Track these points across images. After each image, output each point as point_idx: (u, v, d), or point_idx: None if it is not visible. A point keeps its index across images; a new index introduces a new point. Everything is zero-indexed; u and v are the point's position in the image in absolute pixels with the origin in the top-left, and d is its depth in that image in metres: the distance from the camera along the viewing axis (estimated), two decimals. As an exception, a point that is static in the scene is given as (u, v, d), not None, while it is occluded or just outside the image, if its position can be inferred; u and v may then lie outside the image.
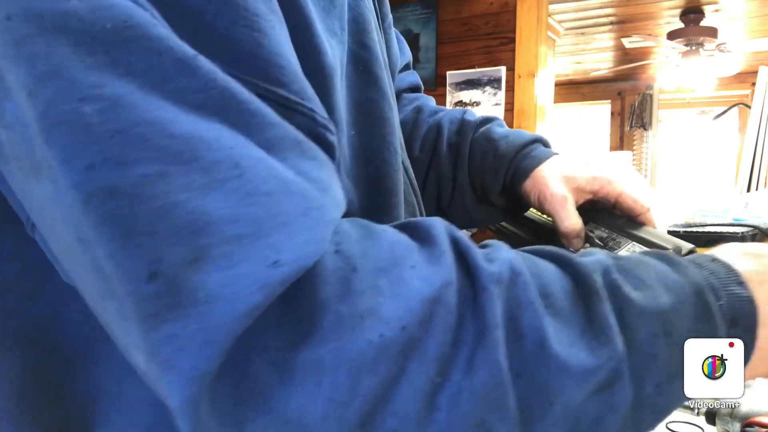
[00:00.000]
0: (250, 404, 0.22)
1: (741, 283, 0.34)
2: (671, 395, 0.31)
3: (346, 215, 0.36)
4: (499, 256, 0.28)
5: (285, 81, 0.25)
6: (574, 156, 0.56)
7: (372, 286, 0.24)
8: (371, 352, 0.23)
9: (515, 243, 0.69)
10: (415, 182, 0.49)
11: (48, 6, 0.20)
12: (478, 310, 0.26)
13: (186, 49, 0.22)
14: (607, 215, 0.55)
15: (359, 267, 0.24)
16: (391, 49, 0.55)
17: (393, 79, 0.54)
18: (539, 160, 0.55)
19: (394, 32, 0.57)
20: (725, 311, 0.34)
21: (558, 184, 0.53)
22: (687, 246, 0.49)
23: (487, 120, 0.60)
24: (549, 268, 0.30)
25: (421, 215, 0.48)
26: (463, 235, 0.29)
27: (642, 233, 0.51)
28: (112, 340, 0.25)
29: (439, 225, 0.29)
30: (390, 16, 0.55)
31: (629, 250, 0.51)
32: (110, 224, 0.20)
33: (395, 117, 0.41)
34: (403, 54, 0.63)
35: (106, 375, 0.30)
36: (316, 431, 0.22)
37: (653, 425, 0.32)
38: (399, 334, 0.23)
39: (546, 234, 0.60)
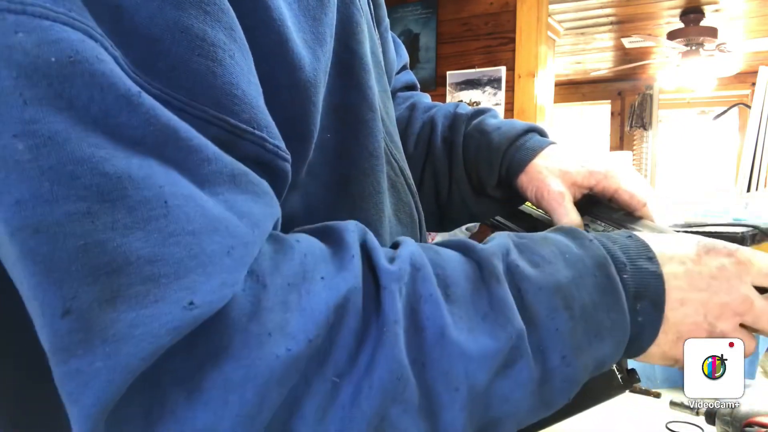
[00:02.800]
0: (159, 423, 0.23)
1: (650, 258, 0.34)
2: (578, 365, 0.32)
3: (308, 214, 0.37)
4: (401, 254, 0.30)
5: (236, 110, 0.26)
6: (569, 149, 0.55)
7: (281, 302, 0.25)
8: (279, 368, 0.24)
9: None
10: (411, 182, 0.49)
11: None
12: (379, 308, 0.27)
13: (130, 85, 0.23)
14: (605, 208, 0.54)
15: (269, 284, 0.25)
16: (388, 53, 0.56)
17: (390, 81, 0.55)
18: (533, 152, 0.54)
19: (390, 36, 0.58)
20: (628, 284, 0.33)
21: (555, 180, 0.53)
22: None
23: (480, 112, 0.60)
24: (453, 258, 0.32)
25: (419, 215, 0.49)
26: (373, 238, 0.30)
27: (639, 226, 0.51)
28: None
29: (351, 228, 0.30)
30: (387, 20, 0.55)
31: None
32: (32, 259, 0.21)
33: (377, 121, 0.41)
34: (400, 56, 0.64)
35: None
36: None
37: (566, 396, 0.32)
38: (306, 347, 0.24)
39: (542, 228, 0.59)
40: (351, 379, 0.26)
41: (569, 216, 0.52)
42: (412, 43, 2.77)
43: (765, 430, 0.47)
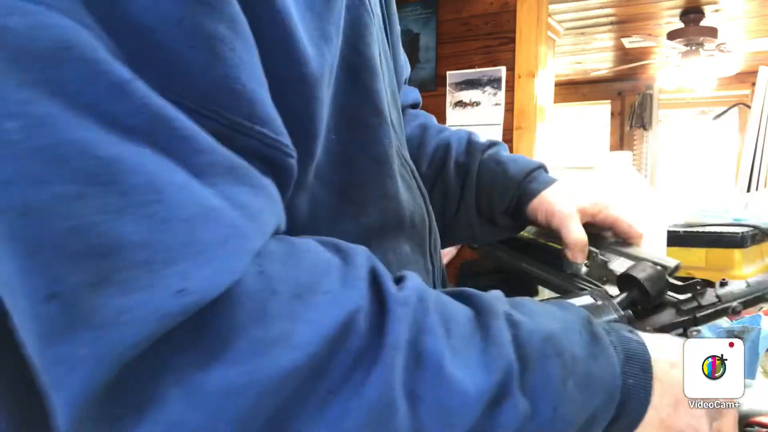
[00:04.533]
0: (151, 420, 0.22)
1: (632, 332, 0.36)
2: (569, 413, 0.31)
3: (313, 217, 0.37)
4: (407, 284, 0.30)
5: (234, 104, 0.26)
6: (573, 183, 0.62)
7: (288, 311, 0.25)
8: (280, 377, 0.23)
9: (498, 263, 0.73)
10: (422, 185, 0.50)
11: None
12: (382, 331, 0.27)
13: (123, 72, 0.22)
14: (598, 238, 0.59)
15: (278, 290, 0.25)
16: (398, 61, 0.56)
17: (399, 88, 0.56)
18: (546, 184, 0.60)
19: (401, 46, 0.59)
20: (616, 343, 0.34)
21: (565, 202, 0.58)
22: (673, 262, 0.51)
23: (494, 143, 0.65)
24: (452, 300, 0.32)
25: (429, 217, 0.49)
26: (381, 265, 0.30)
27: (631, 251, 0.55)
28: None
29: (361, 252, 0.30)
30: (398, 27, 0.56)
31: (620, 264, 0.54)
32: (18, 241, 0.20)
33: (384, 126, 0.41)
34: (407, 68, 0.65)
35: None
36: None
37: None
38: (308, 360, 0.24)
39: (534, 252, 0.65)
40: (342, 397, 0.25)
41: (579, 232, 0.56)
42: (412, 43, 2.77)
43: (765, 430, 0.47)
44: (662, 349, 0.36)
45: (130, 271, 0.21)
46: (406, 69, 0.64)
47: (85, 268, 0.20)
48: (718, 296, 0.46)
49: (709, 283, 0.48)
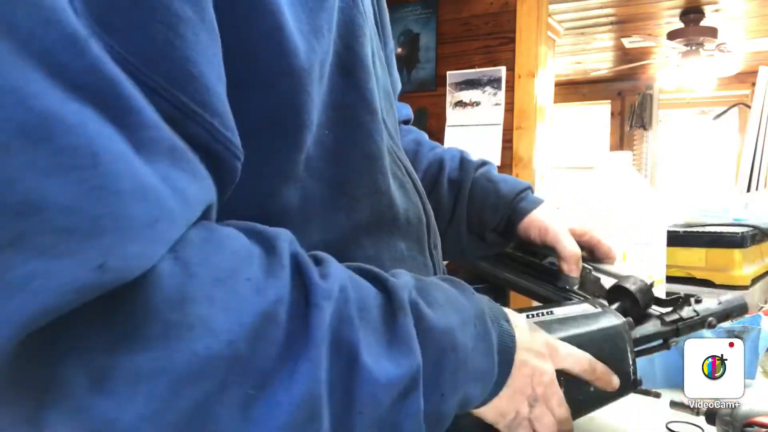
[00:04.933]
0: (55, 408, 0.21)
1: (507, 321, 0.39)
2: (452, 404, 0.34)
3: (304, 210, 0.37)
4: (331, 273, 0.30)
5: (189, 88, 0.25)
6: (556, 205, 0.71)
7: (207, 296, 0.24)
8: (195, 365, 0.22)
9: (483, 276, 0.73)
10: (418, 182, 0.51)
11: None
12: (307, 325, 0.26)
13: (78, 27, 0.21)
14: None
15: (196, 274, 0.24)
16: (393, 74, 0.59)
17: (394, 100, 0.58)
18: (535, 204, 0.65)
19: (394, 60, 0.62)
20: (497, 338, 0.38)
21: (557, 221, 0.63)
22: (649, 280, 0.56)
23: (485, 162, 0.70)
24: (366, 285, 0.32)
25: (426, 215, 0.50)
26: (303, 252, 0.30)
27: (610, 269, 0.63)
28: None
29: (284, 237, 0.30)
30: (392, 43, 0.59)
31: (605, 281, 0.61)
32: None
33: (376, 123, 0.42)
34: (398, 84, 0.68)
35: None
36: None
37: (434, 430, 0.34)
38: (225, 347, 0.23)
39: (518, 266, 0.71)
40: (269, 392, 0.24)
41: (572, 246, 0.60)
42: (412, 43, 2.77)
43: (765, 430, 0.47)
44: (531, 343, 0.40)
45: (49, 236, 0.19)
46: (398, 85, 0.67)
47: (1, 224, 0.19)
48: (695, 311, 0.52)
49: (687, 299, 0.54)
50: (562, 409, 0.42)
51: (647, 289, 0.52)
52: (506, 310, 0.41)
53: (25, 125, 0.19)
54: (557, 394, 0.41)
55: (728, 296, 0.55)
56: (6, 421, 0.21)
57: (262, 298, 0.25)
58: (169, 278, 0.23)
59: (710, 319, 0.52)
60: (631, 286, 0.52)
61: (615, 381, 0.44)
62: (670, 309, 0.53)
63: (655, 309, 0.53)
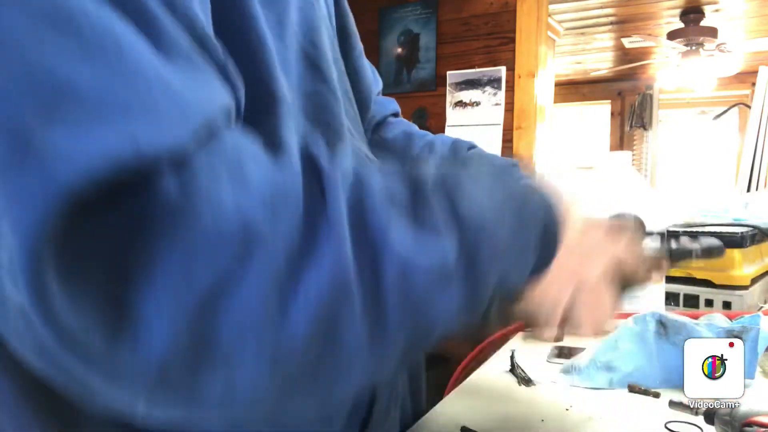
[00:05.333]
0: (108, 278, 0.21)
1: (553, 203, 0.38)
2: (483, 293, 0.33)
3: None
4: (342, 161, 0.29)
5: (198, 19, 0.26)
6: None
7: (215, 175, 0.23)
8: (211, 240, 0.22)
9: None
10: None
11: None
12: (326, 205, 0.26)
13: None
14: None
15: (210, 151, 0.24)
16: (364, 78, 0.61)
17: (368, 102, 0.62)
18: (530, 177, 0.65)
19: (366, 62, 0.63)
20: (542, 219, 0.37)
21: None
22: (639, 216, 0.58)
23: (475, 145, 0.71)
24: (392, 170, 0.32)
25: None
26: (318, 143, 0.30)
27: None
28: None
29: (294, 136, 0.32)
30: (360, 46, 0.60)
31: None
32: None
33: (342, 111, 0.45)
34: (377, 81, 0.70)
35: None
36: (156, 319, 0.21)
37: (482, 300, 0.34)
38: (240, 225, 0.23)
39: None
40: (300, 271, 0.24)
41: None
42: (412, 43, 2.77)
43: (764, 430, 0.47)
44: (574, 216, 0.40)
45: (85, 110, 0.20)
46: (377, 82, 0.69)
47: (35, 102, 0.20)
48: (681, 244, 0.57)
49: (671, 234, 0.58)
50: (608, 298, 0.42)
51: (641, 223, 0.54)
52: (562, 192, 0.40)
53: (54, 19, 0.21)
54: (607, 283, 0.41)
55: (708, 238, 0.58)
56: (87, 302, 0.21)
57: (277, 176, 0.25)
58: (202, 161, 0.23)
59: (695, 249, 0.55)
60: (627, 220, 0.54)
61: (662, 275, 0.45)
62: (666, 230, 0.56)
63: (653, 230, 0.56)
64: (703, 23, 3.57)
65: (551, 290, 0.39)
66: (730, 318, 0.76)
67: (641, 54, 4.41)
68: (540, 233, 0.36)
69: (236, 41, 0.32)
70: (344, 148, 0.32)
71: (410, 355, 0.31)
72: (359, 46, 0.60)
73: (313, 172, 0.27)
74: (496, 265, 0.33)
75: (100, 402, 0.24)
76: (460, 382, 0.74)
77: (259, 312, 0.23)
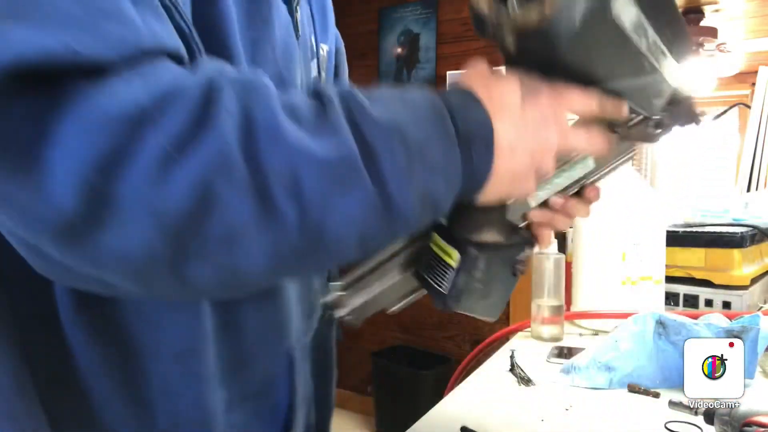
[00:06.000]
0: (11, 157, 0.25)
1: (478, 105, 0.37)
2: (413, 199, 0.33)
3: None
4: (259, 76, 0.31)
5: None
6: None
7: (126, 81, 0.27)
8: (110, 118, 0.26)
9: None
10: None
11: None
12: (221, 101, 0.28)
13: None
14: None
15: (136, 71, 0.27)
16: (342, 77, 0.62)
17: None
18: None
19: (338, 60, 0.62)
20: (459, 126, 0.36)
21: None
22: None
23: None
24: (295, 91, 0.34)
25: None
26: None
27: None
28: None
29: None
30: (335, 46, 0.60)
31: None
32: None
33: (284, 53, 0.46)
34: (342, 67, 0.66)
35: None
36: (60, 171, 0.25)
37: (404, 227, 0.34)
38: (135, 111, 0.26)
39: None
40: (178, 143, 0.27)
41: None
42: (412, 43, 2.77)
43: (764, 429, 0.48)
44: (504, 122, 0.38)
45: (38, 11, 0.25)
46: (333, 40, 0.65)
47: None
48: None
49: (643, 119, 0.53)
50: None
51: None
52: (483, 88, 0.40)
53: None
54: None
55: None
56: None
57: (180, 79, 0.28)
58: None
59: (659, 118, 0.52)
60: None
61: (625, 108, 0.43)
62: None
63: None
64: (703, 23, 3.57)
65: (514, 169, 0.38)
66: (730, 318, 0.76)
67: (641, 54, 4.40)
68: (462, 118, 0.36)
69: (207, 43, 0.35)
70: None
71: (320, 253, 0.31)
72: (335, 46, 0.61)
73: (223, 79, 0.30)
74: (411, 163, 0.32)
75: (15, 241, 0.29)
76: (460, 382, 0.74)
77: (149, 176, 0.26)
